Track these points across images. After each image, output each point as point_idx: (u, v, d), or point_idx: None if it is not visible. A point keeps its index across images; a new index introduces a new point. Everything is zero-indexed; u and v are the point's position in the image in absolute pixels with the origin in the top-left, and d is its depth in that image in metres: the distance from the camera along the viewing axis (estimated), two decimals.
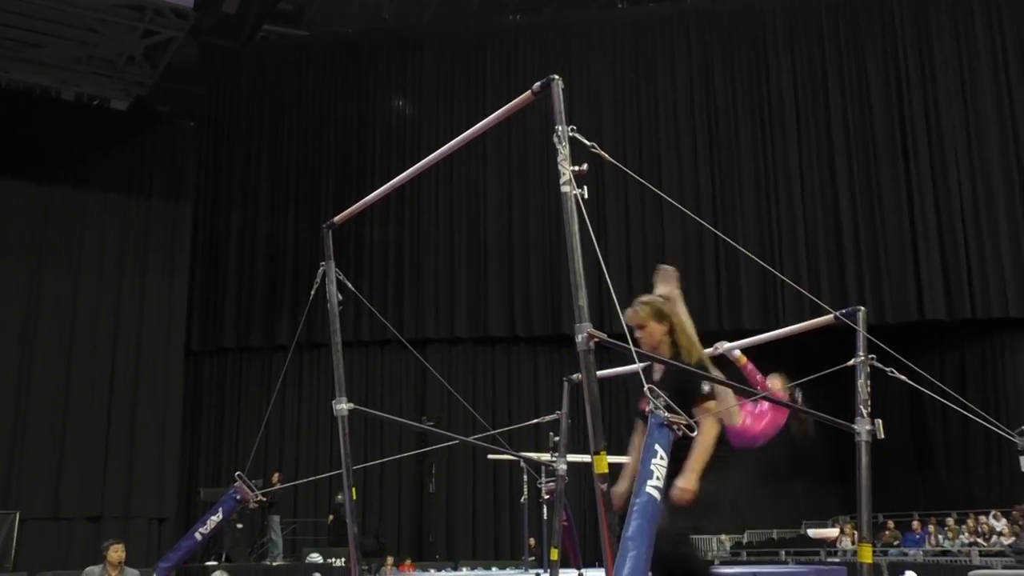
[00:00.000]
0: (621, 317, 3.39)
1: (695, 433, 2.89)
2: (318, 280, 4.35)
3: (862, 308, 3.56)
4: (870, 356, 3.49)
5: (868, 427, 3.44)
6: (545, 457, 6.16)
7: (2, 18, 9.39)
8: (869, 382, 3.51)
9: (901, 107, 10.79)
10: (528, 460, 6.52)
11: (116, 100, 10.87)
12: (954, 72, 10.75)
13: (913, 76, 10.83)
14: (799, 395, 4.29)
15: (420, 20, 13.98)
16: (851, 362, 3.56)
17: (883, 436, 3.36)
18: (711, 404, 3.23)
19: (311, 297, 4.40)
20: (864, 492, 3.26)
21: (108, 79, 10.42)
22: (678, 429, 2.69)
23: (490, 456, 7.80)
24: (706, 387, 3.25)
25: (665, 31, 11.71)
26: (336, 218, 4.41)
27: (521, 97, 3.25)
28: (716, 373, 3.45)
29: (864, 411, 3.45)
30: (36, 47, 9.87)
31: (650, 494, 2.62)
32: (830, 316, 3.91)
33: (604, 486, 2.90)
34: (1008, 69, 10.61)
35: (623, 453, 8.84)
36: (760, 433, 4.16)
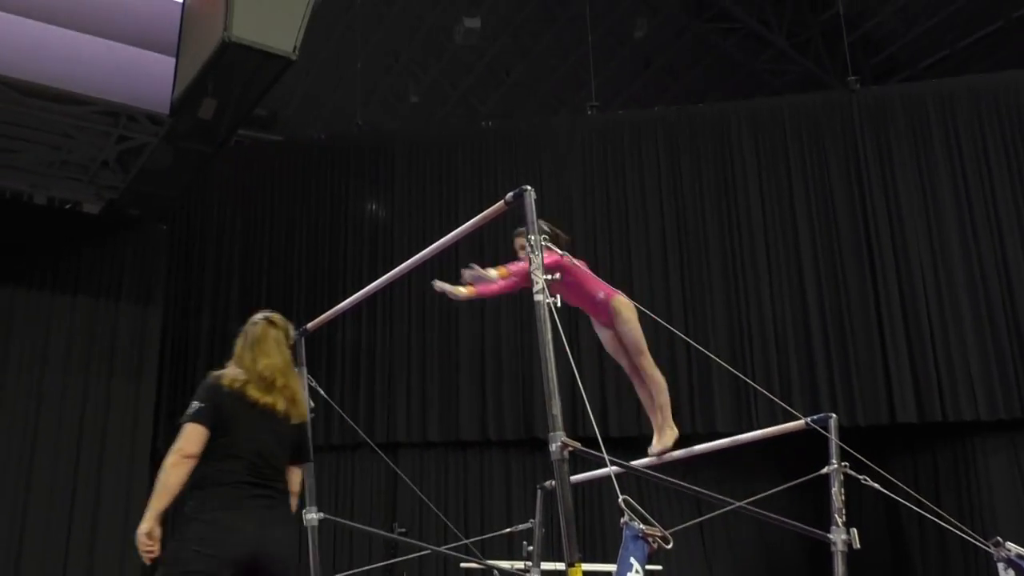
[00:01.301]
0: (592, 422, 3.39)
1: (667, 546, 2.88)
2: None
3: (834, 416, 3.59)
4: (843, 464, 3.51)
5: (844, 537, 3.44)
6: (519, 566, 6.06)
7: None
8: (843, 490, 3.52)
9: (864, 206, 11.04)
10: (501, 571, 6.40)
11: (88, 204, 10.90)
12: (914, 176, 11.04)
13: (875, 179, 11.10)
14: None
15: (392, 125, 14.25)
16: (824, 470, 3.58)
17: (859, 546, 3.36)
18: None
19: None
20: None
21: (81, 183, 10.47)
22: (653, 542, 2.67)
23: (463, 565, 7.65)
24: None
25: (634, 136, 11.97)
26: (309, 324, 4.44)
27: (494, 207, 3.34)
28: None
29: (839, 520, 3.45)
30: (10, 152, 9.93)
31: None
32: (800, 422, 3.94)
33: None
34: (965, 174, 10.91)
35: (605, 560, 8.73)
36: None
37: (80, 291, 10.52)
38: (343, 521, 5.36)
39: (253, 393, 3.25)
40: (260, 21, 8.31)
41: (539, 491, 5.66)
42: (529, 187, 3.17)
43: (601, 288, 4.94)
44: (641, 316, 11.38)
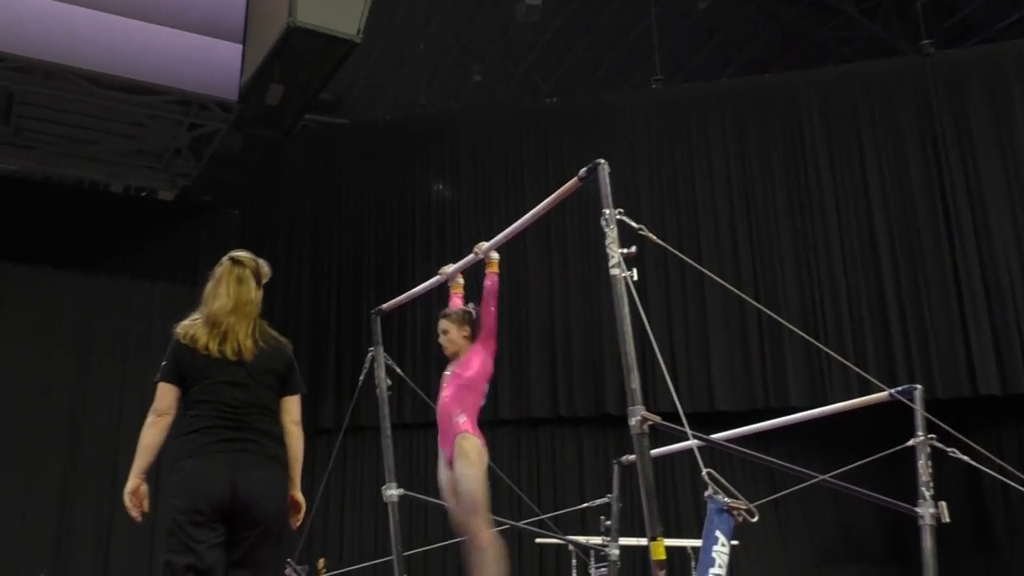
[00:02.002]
0: (673, 396, 3.38)
1: (753, 519, 2.85)
2: (367, 365, 4.40)
3: (919, 387, 3.51)
4: (930, 436, 3.44)
5: (932, 510, 3.37)
6: (595, 541, 6.07)
7: (58, 117, 9.74)
8: (930, 463, 3.45)
9: (940, 176, 10.74)
10: (578, 545, 6.41)
11: (162, 191, 11.14)
12: (993, 140, 10.71)
13: (951, 145, 10.80)
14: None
15: (456, 105, 14.26)
16: (910, 443, 3.51)
17: (948, 519, 3.29)
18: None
19: (360, 382, 4.42)
20: None
21: (155, 171, 10.71)
22: (738, 515, 2.65)
23: (537, 540, 7.69)
24: None
25: (700, 109, 11.82)
26: (384, 305, 4.47)
27: (569, 183, 3.32)
28: None
29: (927, 493, 3.38)
30: (88, 143, 10.19)
31: None
32: (884, 394, 3.87)
33: (662, 573, 2.85)
34: None
35: (679, 536, 8.71)
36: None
37: (158, 277, 10.77)
38: (420, 496, 5.43)
39: (202, 340, 3.26)
40: (324, 5, 8.39)
41: (616, 466, 5.65)
42: (602, 160, 3.15)
43: (462, 408, 4.48)
44: (713, 289, 11.29)
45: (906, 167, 10.94)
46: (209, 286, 3.40)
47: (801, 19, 13.78)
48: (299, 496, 3.32)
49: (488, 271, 4.35)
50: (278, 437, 3.27)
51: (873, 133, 11.17)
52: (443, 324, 4.29)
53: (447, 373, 4.17)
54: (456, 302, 4.50)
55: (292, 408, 3.35)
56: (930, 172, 10.83)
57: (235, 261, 3.43)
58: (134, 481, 3.25)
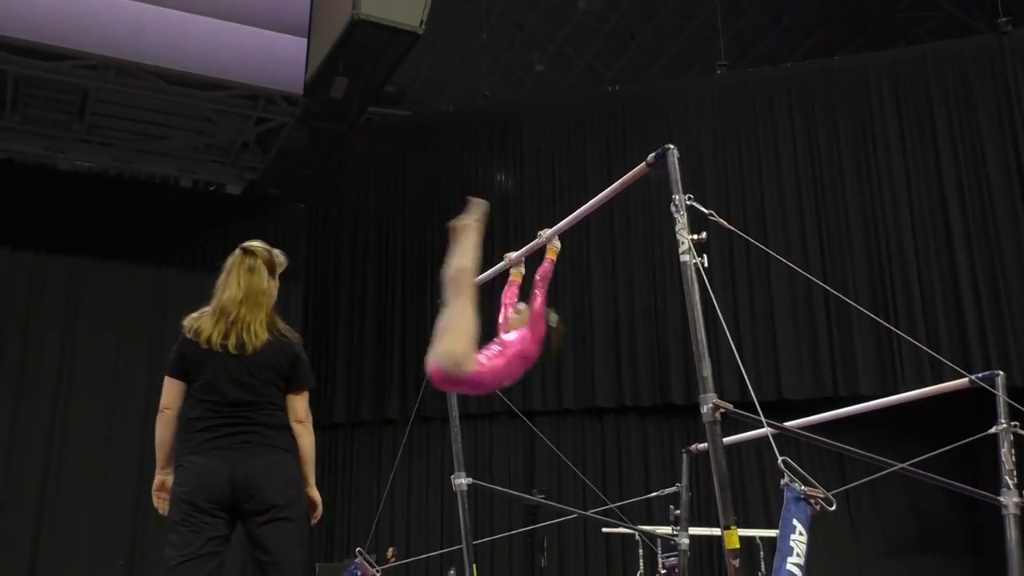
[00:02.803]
0: (747, 383, 3.33)
1: (831, 507, 2.79)
2: None
3: (1001, 373, 3.41)
4: (1013, 424, 3.34)
5: (1016, 499, 3.28)
6: (663, 531, 6.03)
7: (131, 114, 9.96)
8: (1013, 451, 3.36)
9: (1019, 157, 10.41)
10: (646, 534, 6.38)
11: (231, 185, 11.32)
12: None
13: None
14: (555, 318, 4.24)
15: (518, 95, 14.24)
16: (992, 430, 3.41)
17: None
18: None
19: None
20: (1017, 571, 3.09)
21: (223, 166, 10.90)
22: (816, 503, 2.60)
23: (604, 530, 7.67)
24: None
25: (765, 93, 11.64)
26: None
27: (637, 168, 3.28)
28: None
29: (1010, 482, 3.29)
30: (160, 139, 10.40)
31: (791, 572, 2.52)
32: (964, 380, 3.77)
33: (736, 562, 2.82)
34: None
35: (747, 526, 8.62)
36: (506, 366, 4.20)
37: None
38: (487, 485, 5.44)
39: (206, 332, 3.23)
40: None
41: (684, 455, 5.60)
42: (672, 146, 3.11)
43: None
44: (780, 276, 11.08)
45: (982, 149, 10.64)
46: (221, 277, 3.36)
47: (871, 0, 13.49)
48: (314, 493, 3.29)
49: (546, 256, 4.32)
50: (282, 427, 3.23)
51: (947, 115, 10.89)
52: (517, 310, 4.28)
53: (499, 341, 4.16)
54: (513, 291, 4.48)
55: (296, 406, 3.28)
56: (1007, 153, 10.52)
57: (246, 251, 3.40)
58: (158, 477, 3.29)
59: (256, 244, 3.41)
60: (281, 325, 3.35)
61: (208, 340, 3.20)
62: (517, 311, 4.33)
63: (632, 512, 8.67)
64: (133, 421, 10.23)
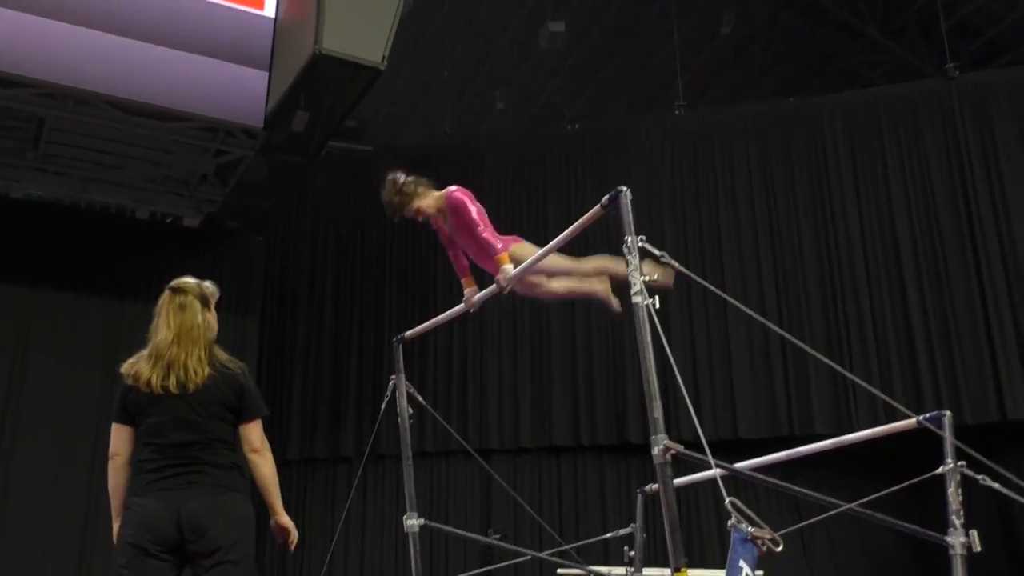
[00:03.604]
0: (696, 424, 3.34)
1: (777, 548, 2.79)
2: (388, 393, 4.38)
3: (948, 412, 3.46)
4: (960, 463, 3.38)
5: (963, 539, 3.31)
6: (618, 572, 6.00)
7: (86, 143, 9.87)
8: (960, 491, 3.39)
9: (967, 199, 10.65)
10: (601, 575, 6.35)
11: (188, 217, 11.23)
12: (1019, 164, 10.62)
13: (978, 169, 10.71)
14: None
15: (480, 132, 14.31)
16: (940, 470, 3.45)
17: (979, 548, 3.23)
18: None
19: (382, 409, 4.41)
20: None
21: (181, 197, 10.82)
22: (763, 544, 2.61)
23: (560, 571, 7.62)
24: None
25: (723, 133, 11.80)
26: (407, 333, 4.46)
27: (591, 212, 3.30)
28: None
29: (957, 523, 3.32)
30: (116, 169, 10.31)
31: None
32: (912, 420, 3.81)
33: None
34: None
35: (703, 566, 8.61)
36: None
37: None
38: (441, 527, 5.38)
39: (144, 376, 3.22)
40: (350, 33, 8.47)
41: (639, 495, 5.59)
42: (624, 188, 3.13)
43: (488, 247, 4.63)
44: (737, 316, 11.19)
45: (932, 191, 10.86)
46: (153, 320, 3.37)
47: (826, 43, 13.79)
48: (284, 520, 3.25)
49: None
50: (232, 466, 3.20)
51: (899, 157, 11.10)
52: (414, 206, 4.40)
53: (447, 239, 4.32)
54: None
55: (249, 436, 3.25)
56: (956, 196, 10.74)
57: (174, 290, 3.39)
58: (116, 523, 3.24)
59: (185, 280, 3.41)
60: (223, 356, 3.32)
61: (148, 383, 3.17)
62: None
63: (589, 552, 8.63)
64: (82, 453, 10.04)
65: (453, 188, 4.41)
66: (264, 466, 3.25)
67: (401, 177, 4.54)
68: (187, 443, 3.14)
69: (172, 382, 3.17)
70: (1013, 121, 10.81)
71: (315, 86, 8.87)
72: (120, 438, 3.25)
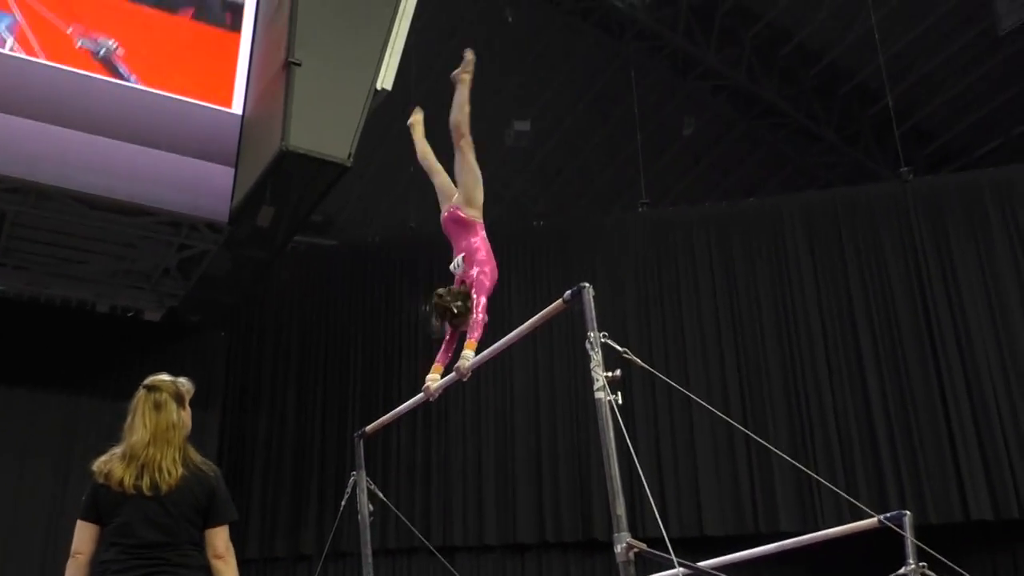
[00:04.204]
0: (659, 523, 3.31)
1: None
2: (348, 489, 4.32)
3: (908, 513, 3.46)
4: (921, 564, 3.38)
5: None
6: None
7: (49, 238, 9.82)
8: None
9: (924, 299, 10.84)
10: None
11: (150, 311, 11.14)
12: (974, 265, 10.86)
13: (934, 269, 10.94)
14: None
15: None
16: (901, 571, 3.44)
17: None
18: None
19: (342, 506, 4.33)
20: None
21: (143, 291, 10.74)
22: None
23: None
24: None
25: (685, 231, 11.97)
26: (368, 428, 4.43)
27: (553, 306, 3.33)
28: None
29: None
30: (77, 263, 10.24)
31: None
32: (873, 520, 3.81)
33: None
34: None
35: None
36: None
37: None
38: None
39: (117, 475, 3.14)
40: (316, 130, 8.57)
41: None
42: (587, 284, 3.17)
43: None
44: (701, 411, 11.17)
45: (890, 290, 11.05)
46: (127, 418, 3.32)
47: (785, 145, 14.18)
48: None
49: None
50: (199, 568, 3.13)
51: (857, 256, 11.32)
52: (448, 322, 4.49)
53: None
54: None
55: (214, 541, 3.19)
56: (914, 296, 10.93)
57: (149, 388, 3.34)
58: None
59: (160, 378, 3.35)
60: (197, 458, 3.27)
61: (120, 483, 3.12)
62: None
63: None
64: (34, 549, 9.74)
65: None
66: (228, 572, 3.19)
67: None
68: (156, 544, 3.06)
69: (145, 483, 3.11)
70: (965, 223, 11.10)
71: (281, 181, 8.93)
72: (85, 536, 3.17)
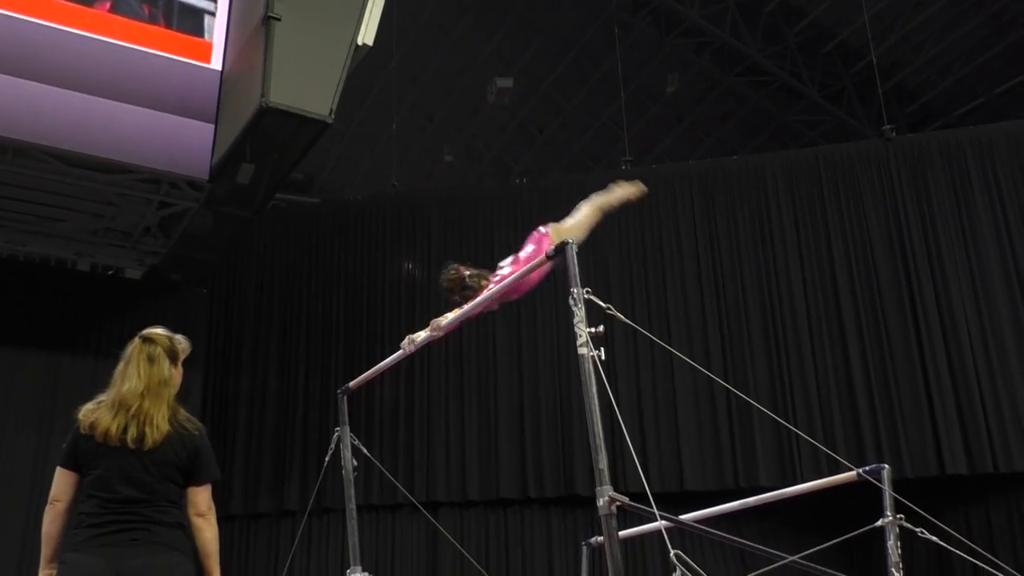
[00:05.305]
0: (641, 477, 3.35)
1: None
2: (332, 445, 4.34)
3: (887, 466, 3.51)
4: (898, 516, 3.43)
5: None
6: None
7: (24, 195, 9.71)
8: (899, 544, 3.43)
9: (904, 257, 10.92)
10: None
11: (130, 269, 11.08)
12: (955, 223, 10.93)
13: (915, 228, 11.00)
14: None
15: (427, 186, 14.40)
16: (879, 523, 3.49)
17: None
18: None
19: (326, 462, 4.36)
20: None
21: (123, 249, 10.66)
22: None
23: None
24: None
25: (668, 189, 11.97)
26: (351, 383, 4.44)
27: (536, 262, 3.34)
28: None
29: (896, 574, 3.36)
30: (56, 221, 10.14)
31: None
32: (852, 474, 3.86)
33: None
34: (1008, 220, 10.77)
35: None
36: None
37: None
38: None
39: (102, 425, 3.14)
40: (296, 86, 8.48)
41: (584, 548, 5.57)
42: (571, 240, 3.17)
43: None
44: (683, 368, 11.23)
45: (871, 247, 11.11)
46: (119, 366, 3.29)
47: (768, 103, 14.16)
48: None
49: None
50: (175, 525, 3.13)
51: (838, 214, 11.36)
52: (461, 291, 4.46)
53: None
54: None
55: (196, 499, 3.19)
56: (894, 254, 11.00)
57: (145, 339, 3.31)
58: (43, 573, 3.15)
59: (157, 331, 3.33)
60: (182, 416, 3.27)
61: (105, 434, 3.10)
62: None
63: None
64: (17, 511, 9.75)
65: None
66: (208, 531, 3.18)
67: (467, 272, 4.62)
68: (133, 500, 3.06)
69: (131, 435, 3.10)
70: (946, 182, 11.14)
71: (261, 139, 8.85)
72: (63, 484, 3.17)
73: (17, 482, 9.89)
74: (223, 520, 11.82)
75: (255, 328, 12.27)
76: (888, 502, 3.44)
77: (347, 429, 4.59)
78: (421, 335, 4.51)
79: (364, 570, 4.51)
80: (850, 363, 10.74)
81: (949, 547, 3.56)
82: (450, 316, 4.30)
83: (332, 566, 11.01)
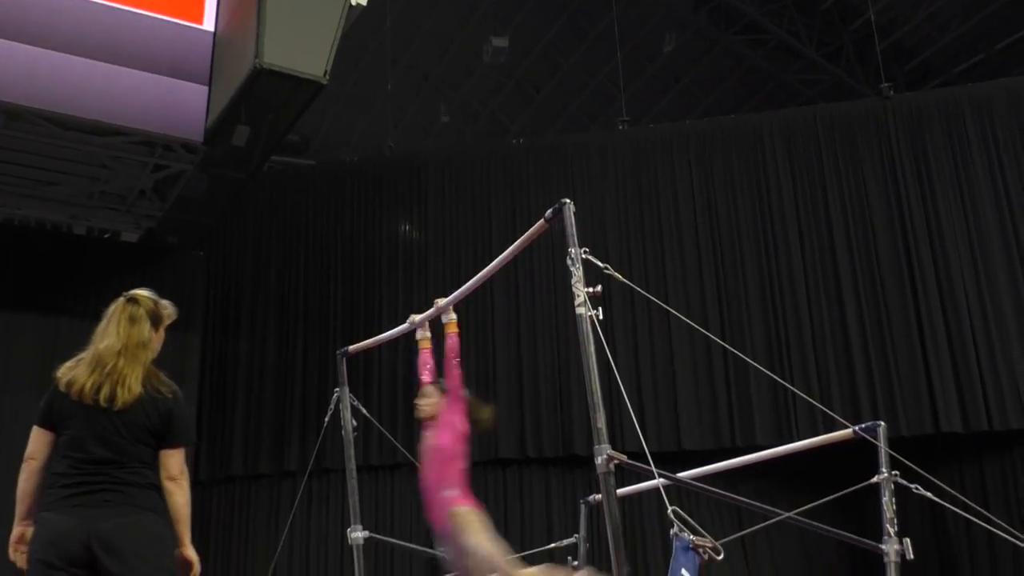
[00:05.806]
0: (639, 436, 3.37)
1: (718, 556, 2.84)
2: (332, 406, 4.37)
3: (882, 424, 3.54)
4: (893, 472, 3.46)
5: (897, 547, 3.38)
6: None
7: (18, 158, 9.66)
8: (894, 500, 3.47)
9: (902, 216, 10.91)
10: None
11: (127, 233, 11.05)
12: (952, 181, 10.91)
13: (912, 186, 10.99)
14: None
15: (423, 146, 14.33)
16: (874, 479, 3.53)
17: (912, 556, 3.30)
18: None
19: (326, 423, 4.39)
20: None
21: (119, 213, 10.63)
22: (704, 552, 2.65)
23: None
24: None
25: (665, 149, 11.93)
26: (351, 347, 4.45)
27: (535, 226, 3.34)
28: None
29: (891, 530, 3.40)
30: (51, 185, 10.10)
31: None
32: (848, 431, 3.89)
33: None
34: (1005, 178, 10.76)
35: (652, 575, 8.62)
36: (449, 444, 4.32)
37: None
38: (386, 539, 5.36)
39: (78, 383, 3.15)
40: (290, 47, 8.41)
41: (583, 506, 5.62)
42: (568, 200, 3.17)
43: (448, 483, 4.30)
44: (680, 327, 11.26)
45: (868, 206, 11.10)
46: (101, 323, 3.27)
47: (765, 62, 14.06)
48: (189, 553, 3.16)
49: (447, 332, 4.37)
50: (147, 486, 3.13)
51: (836, 172, 11.34)
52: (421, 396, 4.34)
53: (425, 444, 4.13)
54: (426, 356, 4.52)
55: (168, 463, 3.17)
56: (891, 213, 10.99)
57: (130, 299, 3.30)
58: (16, 529, 3.19)
59: (141, 292, 3.31)
60: (156, 380, 3.24)
61: (80, 391, 3.10)
62: (427, 394, 4.34)
63: (534, 563, 8.63)
64: (14, 474, 9.80)
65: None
66: (179, 495, 3.17)
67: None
68: (106, 460, 3.06)
69: (104, 394, 3.09)
70: (944, 141, 11.11)
71: (256, 100, 8.79)
72: (39, 442, 3.18)
73: (16, 446, 9.90)
74: (224, 482, 11.96)
75: (253, 290, 12.28)
76: (884, 459, 3.47)
77: (347, 390, 4.62)
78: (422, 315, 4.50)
79: (364, 528, 4.55)
80: (847, 322, 10.78)
81: (943, 503, 3.61)
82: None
83: (332, 526, 11.11)
